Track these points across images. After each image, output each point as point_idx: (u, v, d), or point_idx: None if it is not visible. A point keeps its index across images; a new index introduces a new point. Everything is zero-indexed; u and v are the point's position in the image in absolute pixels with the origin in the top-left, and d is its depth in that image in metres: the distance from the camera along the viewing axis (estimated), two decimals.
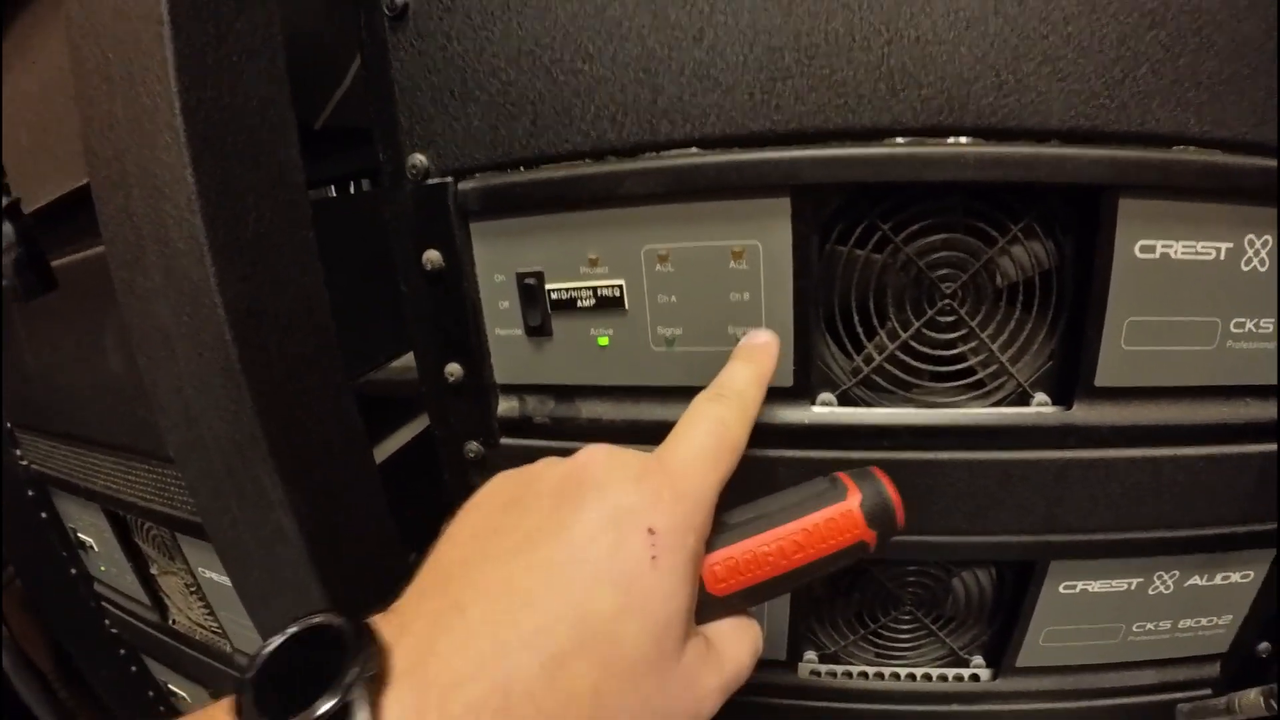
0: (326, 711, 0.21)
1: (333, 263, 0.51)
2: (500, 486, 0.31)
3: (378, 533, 0.58)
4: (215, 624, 0.81)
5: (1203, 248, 0.41)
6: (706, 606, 0.30)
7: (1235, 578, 0.52)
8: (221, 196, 0.45)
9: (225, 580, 0.69)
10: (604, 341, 0.46)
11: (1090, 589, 0.52)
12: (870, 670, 0.58)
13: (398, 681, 0.23)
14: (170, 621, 0.89)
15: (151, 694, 1.07)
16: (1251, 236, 0.41)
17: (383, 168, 0.46)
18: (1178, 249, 0.41)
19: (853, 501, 0.31)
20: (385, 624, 0.25)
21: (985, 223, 0.42)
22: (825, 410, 0.46)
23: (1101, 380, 0.44)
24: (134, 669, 1.04)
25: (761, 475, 0.47)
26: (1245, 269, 0.42)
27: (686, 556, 0.27)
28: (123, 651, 1.02)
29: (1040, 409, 0.45)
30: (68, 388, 0.71)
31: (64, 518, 0.91)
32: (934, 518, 0.48)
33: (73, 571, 0.94)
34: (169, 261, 0.46)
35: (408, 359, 0.77)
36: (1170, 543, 0.49)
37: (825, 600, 0.55)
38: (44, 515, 0.91)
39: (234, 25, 0.44)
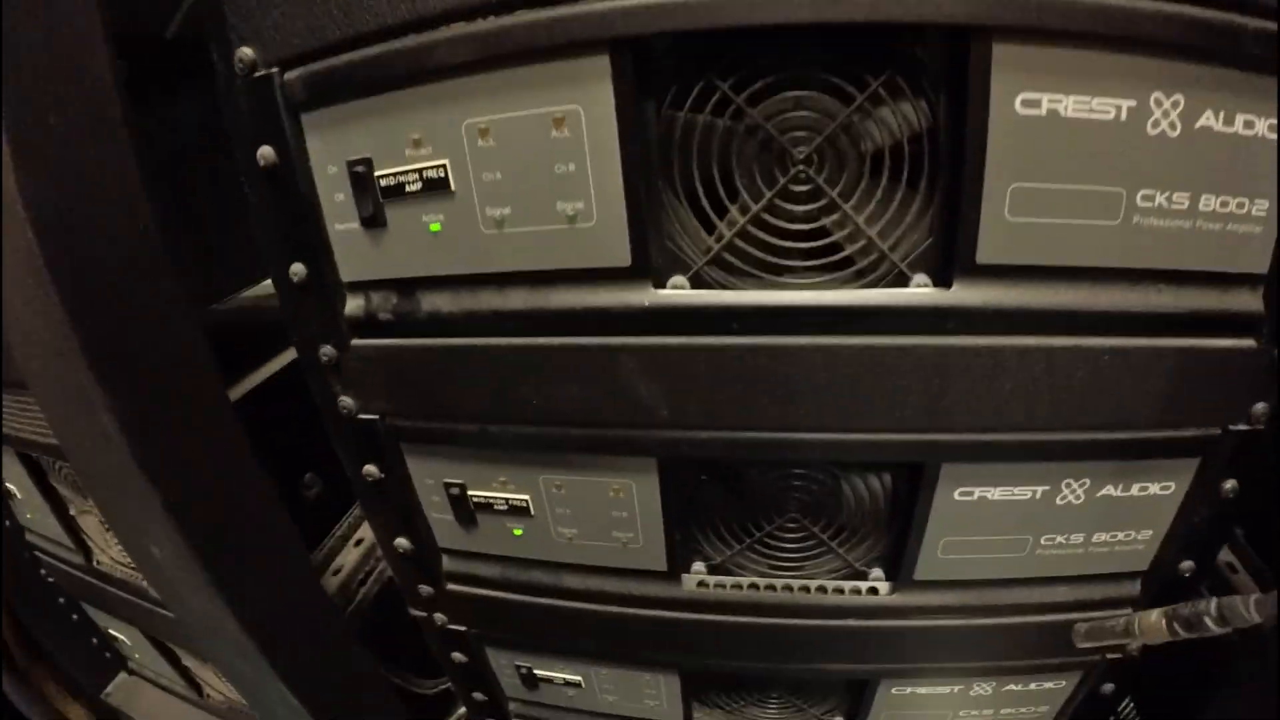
0: None
1: (195, 181, 0.46)
2: None
3: (224, 452, 0.53)
4: (130, 559, 0.78)
5: (1099, 105, 0.34)
6: None
7: (1154, 489, 0.46)
8: (17, 96, 0.39)
9: None
10: (436, 228, 0.42)
11: (990, 496, 0.47)
12: (761, 582, 0.53)
13: None
14: (95, 563, 0.86)
15: (95, 641, 1.06)
16: (1159, 95, 0.35)
17: (215, 65, 0.42)
18: (1068, 105, 0.34)
19: None
20: None
21: (841, 78, 0.36)
22: (672, 293, 0.40)
23: (984, 257, 0.37)
24: (75, 617, 1.02)
25: (604, 364, 0.43)
26: (1152, 132, 0.35)
27: None
28: (62, 600, 1.00)
29: (915, 290, 0.39)
30: None
31: None
32: (805, 414, 0.42)
33: (6, 524, 0.91)
34: None
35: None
36: (1075, 447, 0.43)
37: (708, 507, 0.51)
38: None
39: None
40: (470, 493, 0.51)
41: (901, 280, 0.40)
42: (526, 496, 0.51)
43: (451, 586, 0.59)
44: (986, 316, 0.39)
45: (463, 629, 0.62)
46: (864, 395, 0.41)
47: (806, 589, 0.53)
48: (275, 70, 0.41)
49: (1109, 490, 0.46)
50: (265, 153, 0.43)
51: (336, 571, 0.68)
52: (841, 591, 0.53)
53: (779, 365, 0.41)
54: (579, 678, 0.65)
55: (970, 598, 0.52)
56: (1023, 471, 0.45)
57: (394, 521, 0.56)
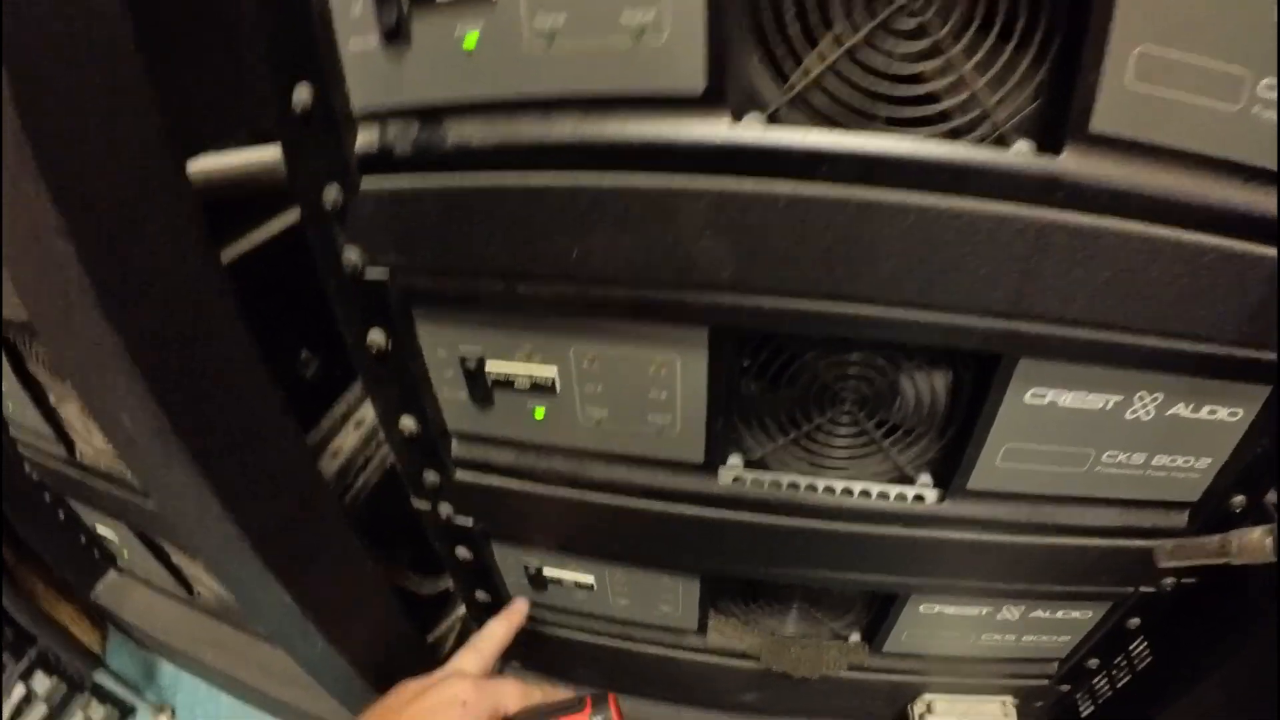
0: None
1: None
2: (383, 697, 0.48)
3: (207, 312, 0.43)
4: (113, 449, 0.71)
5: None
6: None
7: (1223, 414, 0.41)
8: None
9: None
10: (471, 43, 0.33)
11: (1062, 401, 0.40)
12: (802, 481, 0.47)
13: None
14: (78, 455, 0.81)
15: (83, 539, 1.01)
16: None
17: None
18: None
19: (585, 713, 0.47)
20: None
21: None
22: (753, 128, 0.33)
23: (1099, 125, 0.30)
24: (61, 515, 0.97)
25: (663, 209, 0.35)
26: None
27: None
28: (48, 497, 0.94)
29: (1022, 154, 0.32)
30: None
31: None
32: (879, 283, 0.35)
33: None
34: None
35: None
36: (1159, 355, 0.37)
37: (753, 395, 0.44)
38: None
39: None
40: (489, 366, 0.44)
41: (1002, 143, 0.32)
42: (553, 371, 0.43)
43: (460, 474, 0.52)
44: (1095, 192, 0.31)
45: (470, 522, 0.55)
46: (953, 269, 0.34)
47: (849, 492, 0.47)
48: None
49: (1179, 409, 0.40)
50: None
51: (334, 455, 0.61)
52: (887, 497, 0.47)
53: (865, 223, 0.33)
54: (591, 579, 0.59)
55: (1021, 513, 0.46)
56: (1100, 377, 0.39)
57: (400, 400, 0.48)
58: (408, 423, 0.49)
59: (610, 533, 0.52)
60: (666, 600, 0.59)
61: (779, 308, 0.37)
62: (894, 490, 0.47)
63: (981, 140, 0.32)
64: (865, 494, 0.47)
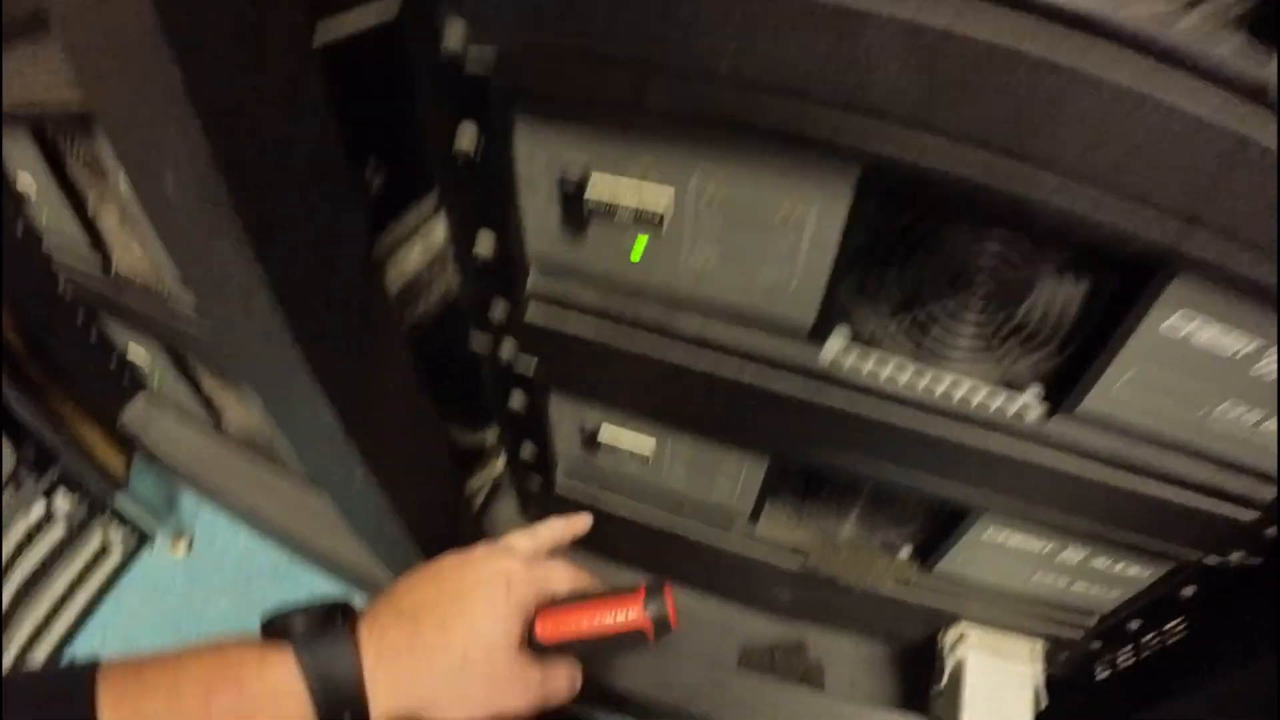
0: (322, 611, 0.37)
1: None
2: (419, 569, 0.43)
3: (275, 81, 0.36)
4: (150, 260, 0.70)
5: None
6: (537, 645, 0.40)
7: None
8: None
9: None
10: None
11: (1198, 338, 0.35)
12: (908, 368, 0.42)
13: (362, 618, 0.38)
14: (113, 270, 0.78)
15: (114, 364, 0.99)
16: None
17: None
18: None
19: (640, 593, 0.40)
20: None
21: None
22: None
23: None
24: (94, 336, 0.95)
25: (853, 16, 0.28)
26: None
27: (523, 601, 0.40)
28: (81, 318, 0.92)
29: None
30: None
31: (4, 161, 0.76)
32: (1066, 148, 0.29)
33: (19, 231, 0.81)
34: None
35: None
36: None
37: (880, 265, 0.39)
38: None
39: None
40: (593, 186, 0.38)
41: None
42: (667, 199, 0.37)
43: (533, 310, 0.47)
44: None
45: (532, 367, 0.51)
46: (1147, 154, 0.28)
47: (955, 390, 0.42)
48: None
49: None
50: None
51: (396, 276, 0.55)
52: (992, 403, 0.42)
53: (1068, 86, 0.27)
54: (650, 448, 0.54)
55: (1122, 447, 0.42)
56: (1244, 317, 0.34)
57: (479, 217, 0.43)
58: (484, 244, 0.43)
59: (688, 396, 0.47)
60: (726, 480, 0.55)
61: (952, 154, 0.31)
62: (1001, 397, 0.42)
63: None
64: (971, 396, 0.42)
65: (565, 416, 0.56)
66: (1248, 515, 0.42)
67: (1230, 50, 0.26)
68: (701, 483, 0.57)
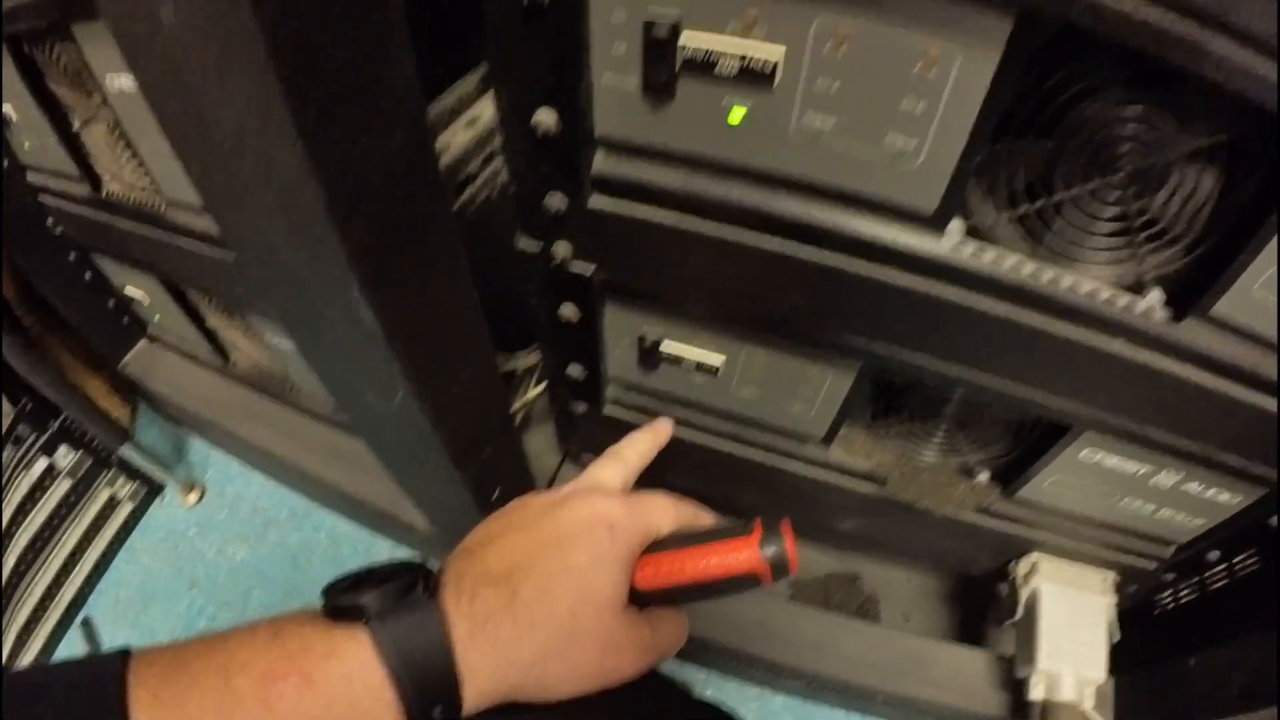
0: (398, 578, 0.30)
1: None
2: (498, 512, 0.37)
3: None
4: (146, 180, 0.64)
5: None
6: (636, 595, 0.34)
7: None
8: None
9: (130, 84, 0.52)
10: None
11: None
12: (1029, 265, 0.37)
13: (444, 584, 0.31)
14: (105, 193, 0.71)
15: (112, 304, 0.94)
16: None
17: None
18: None
19: (755, 535, 0.34)
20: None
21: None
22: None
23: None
24: (89, 276, 0.89)
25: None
26: None
27: (629, 548, 0.34)
28: (73, 256, 0.86)
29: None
30: None
31: None
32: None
33: (4, 163, 0.74)
34: None
35: None
36: None
37: (1014, 136, 0.33)
38: None
39: None
40: (687, 37, 0.31)
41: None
42: (779, 50, 0.31)
43: (597, 199, 0.40)
44: None
45: (590, 268, 0.45)
46: None
47: (1077, 287, 0.37)
48: None
49: None
50: None
51: (440, 150, 0.48)
52: (1116, 304, 0.37)
53: None
54: (720, 360, 0.48)
55: (1249, 358, 0.37)
56: None
57: (541, 85, 0.36)
58: (545, 117, 0.37)
59: (782, 294, 0.41)
60: (803, 395, 0.49)
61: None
62: (1125, 297, 0.37)
63: None
64: (1096, 294, 0.36)
65: (621, 329, 0.50)
66: None
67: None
68: (775, 400, 0.51)
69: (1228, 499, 0.48)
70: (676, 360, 0.50)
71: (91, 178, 0.70)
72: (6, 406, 0.83)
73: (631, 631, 0.33)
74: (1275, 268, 0.33)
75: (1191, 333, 0.37)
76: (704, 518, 0.39)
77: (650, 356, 0.50)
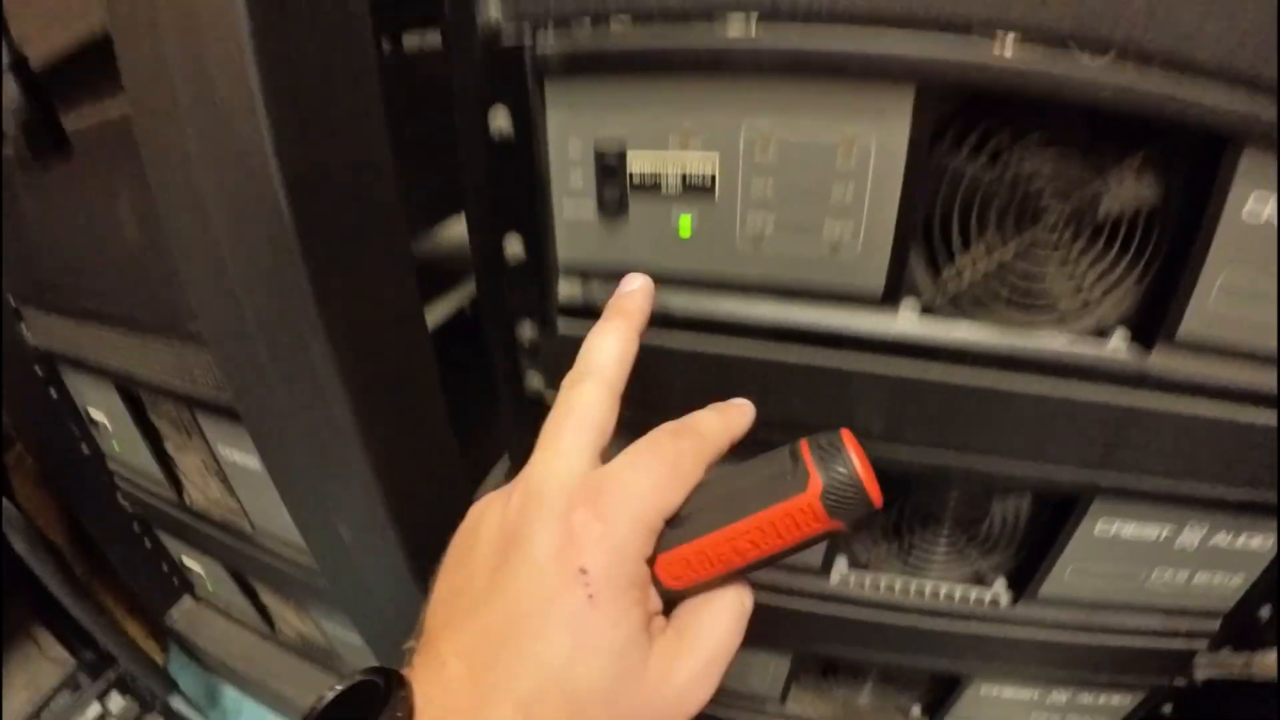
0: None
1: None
2: (452, 550, 0.29)
3: (431, 415, 0.50)
4: (235, 503, 0.70)
5: None
6: (669, 600, 0.28)
7: (1255, 543, 0.44)
8: (279, 38, 0.35)
9: (249, 462, 0.61)
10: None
11: (1124, 532, 0.45)
12: (899, 582, 0.51)
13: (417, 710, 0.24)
14: (186, 501, 0.77)
15: (166, 567, 0.98)
16: None
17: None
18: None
19: (813, 492, 0.26)
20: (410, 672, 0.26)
21: (1100, 150, 0.34)
22: (909, 324, 0.39)
23: (1184, 334, 0.36)
24: (148, 544, 0.94)
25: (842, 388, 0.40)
26: None
27: (625, 583, 0.25)
28: (136, 526, 0.91)
29: (1117, 350, 0.38)
30: (77, 261, 0.60)
31: (74, 395, 0.79)
32: (994, 441, 0.41)
33: (84, 449, 0.82)
34: (209, 117, 0.37)
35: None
36: (1209, 500, 0.42)
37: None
38: (53, 392, 0.78)
39: None
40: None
41: (1102, 335, 0.38)
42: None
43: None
44: (1177, 384, 0.37)
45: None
46: (1055, 434, 0.40)
47: (937, 593, 0.51)
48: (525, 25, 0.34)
49: (1220, 538, 0.44)
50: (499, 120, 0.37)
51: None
52: (968, 599, 0.51)
53: (990, 404, 0.40)
54: None
55: (1079, 617, 0.50)
56: (1160, 513, 0.44)
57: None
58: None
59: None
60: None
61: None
62: (975, 592, 0.50)
63: (1084, 330, 0.38)
64: (949, 596, 0.50)
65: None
66: (1196, 644, 0.49)
67: (1117, 338, 0.37)
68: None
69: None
70: None
71: (175, 485, 0.75)
72: (65, 655, 0.84)
73: (662, 681, 0.25)
74: (1078, 563, 0.45)
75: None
76: (725, 428, 0.30)
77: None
